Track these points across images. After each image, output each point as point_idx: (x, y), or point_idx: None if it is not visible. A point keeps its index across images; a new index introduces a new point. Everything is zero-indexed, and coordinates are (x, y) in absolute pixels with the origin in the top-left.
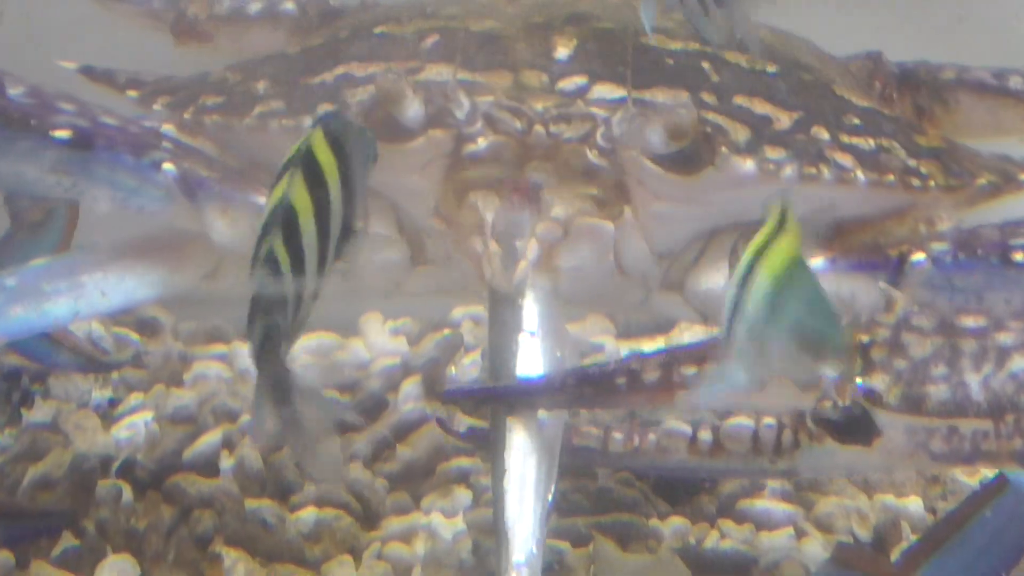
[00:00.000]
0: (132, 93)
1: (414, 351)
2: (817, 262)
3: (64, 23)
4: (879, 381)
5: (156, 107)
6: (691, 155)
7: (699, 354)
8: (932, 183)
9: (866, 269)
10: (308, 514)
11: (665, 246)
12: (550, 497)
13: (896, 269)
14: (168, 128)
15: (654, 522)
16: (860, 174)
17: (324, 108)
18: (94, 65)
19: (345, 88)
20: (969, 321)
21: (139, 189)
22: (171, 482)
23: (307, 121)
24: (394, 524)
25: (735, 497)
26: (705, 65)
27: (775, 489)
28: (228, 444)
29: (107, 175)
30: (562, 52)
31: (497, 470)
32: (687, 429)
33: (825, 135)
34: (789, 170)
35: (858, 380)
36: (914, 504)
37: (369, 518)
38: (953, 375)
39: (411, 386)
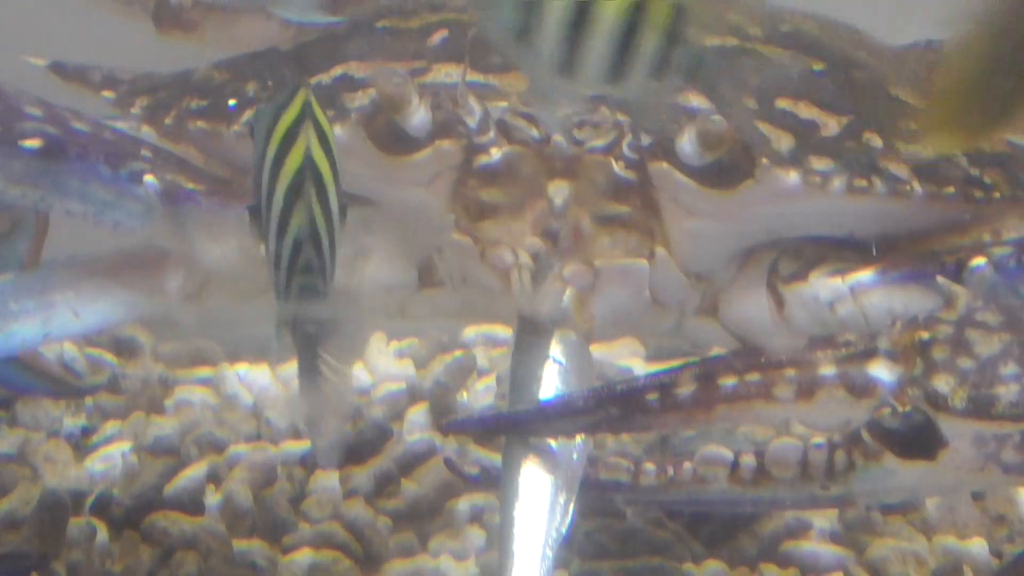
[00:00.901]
0: (108, 94)
1: (421, 375)
2: (866, 275)
3: (29, 11)
4: (943, 383)
5: (134, 110)
6: (728, 167)
7: (739, 362)
8: (996, 194)
9: (920, 279)
10: (303, 556)
11: (700, 267)
12: (564, 529)
13: (954, 276)
14: (148, 132)
15: (688, 567)
16: (916, 186)
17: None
18: (65, 61)
19: (343, 91)
20: None
21: (116, 203)
22: (151, 521)
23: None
24: (398, 568)
25: (778, 538)
26: (745, 63)
27: (823, 529)
28: (214, 478)
29: (80, 188)
30: None
31: (506, 499)
32: (727, 455)
33: (878, 142)
34: (837, 182)
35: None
36: (978, 546)
37: (370, 561)
38: None
39: (417, 414)
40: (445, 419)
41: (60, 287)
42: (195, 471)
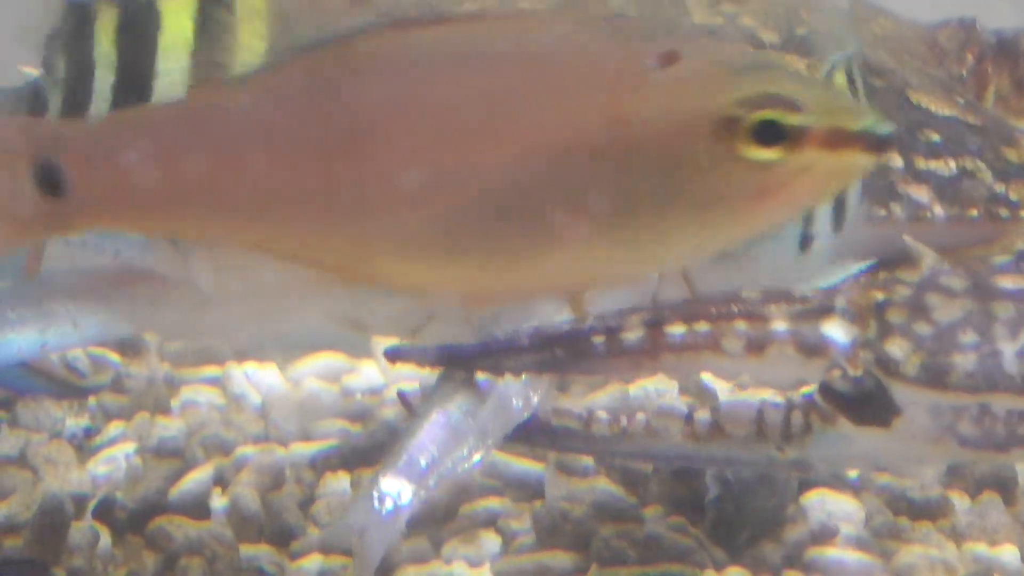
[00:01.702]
0: None
1: (435, 373)
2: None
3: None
4: (896, 348)
5: None
6: None
7: (689, 311)
8: (1023, 212)
9: None
10: (312, 562)
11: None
12: (467, 466)
13: None
14: None
15: (709, 573)
16: (938, 210)
17: None
18: None
19: None
20: (1008, 282)
21: (117, 234)
22: (155, 525)
23: None
24: (410, 574)
25: (803, 544)
26: None
27: (849, 536)
28: (221, 481)
29: None
30: None
31: (415, 417)
32: (682, 407)
33: (898, 162)
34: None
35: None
36: (1009, 554)
37: (382, 567)
38: (985, 343)
39: None
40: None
41: (60, 296)
42: (201, 474)
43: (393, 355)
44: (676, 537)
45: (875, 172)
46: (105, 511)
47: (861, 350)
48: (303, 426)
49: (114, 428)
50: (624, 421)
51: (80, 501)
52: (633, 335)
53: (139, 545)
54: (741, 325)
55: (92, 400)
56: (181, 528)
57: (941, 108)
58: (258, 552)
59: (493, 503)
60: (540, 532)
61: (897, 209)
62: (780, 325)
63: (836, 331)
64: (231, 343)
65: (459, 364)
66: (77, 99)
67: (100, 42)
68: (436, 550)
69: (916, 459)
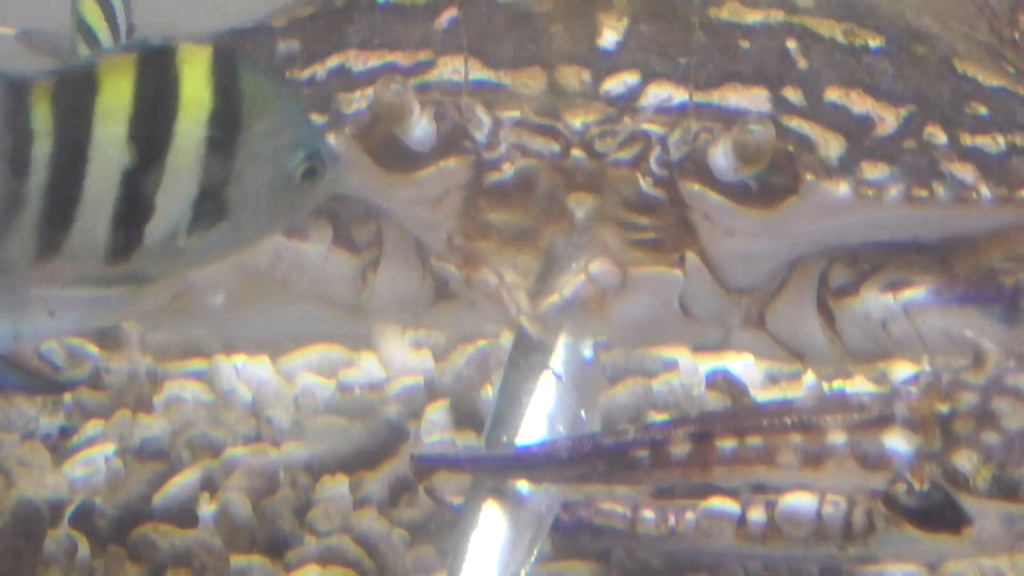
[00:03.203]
0: None
1: (441, 368)
2: (920, 294)
3: None
4: (964, 460)
5: None
6: (768, 183)
7: (739, 424)
8: None
9: (978, 301)
10: (308, 574)
11: (741, 283)
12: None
13: (1011, 302)
14: None
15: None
16: (984, 190)
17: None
18: (34, 29)
19: (339, 90)
20: None
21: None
22: (138, 533)
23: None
24: None
25: None
26: (791, 45)
27: None
28: (209, 485)
29: None
30: (609, 37)
31: (462, 539)
32: (733, 508)
33: (941, 138)
34: (894, 192)
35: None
36: None
37: None
38: None
39: (437, 412)
40: (475, 415)
41: (35, 281)
42: (187, 477)
43: (423, 462)
44: None
45: (916, 149)
46: (83, 518)
47: (926, 463)
48: (298, 424)
49: (92, 427)
50: (672, 520)
51: (56, 508)
52: (680, 449)
53: (121, 555)
54: (796, 438)
55: (68, 396)
56: (166, 537)
57: (989, 78)
58: (250, 563)
59: None
60: (558, 541)
61: (940, 190)
62: (838, 437)
63: (898, 442)
64: (219, 333)
65: (493, 473)
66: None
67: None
68: (444, 560)
69: (991, 555)
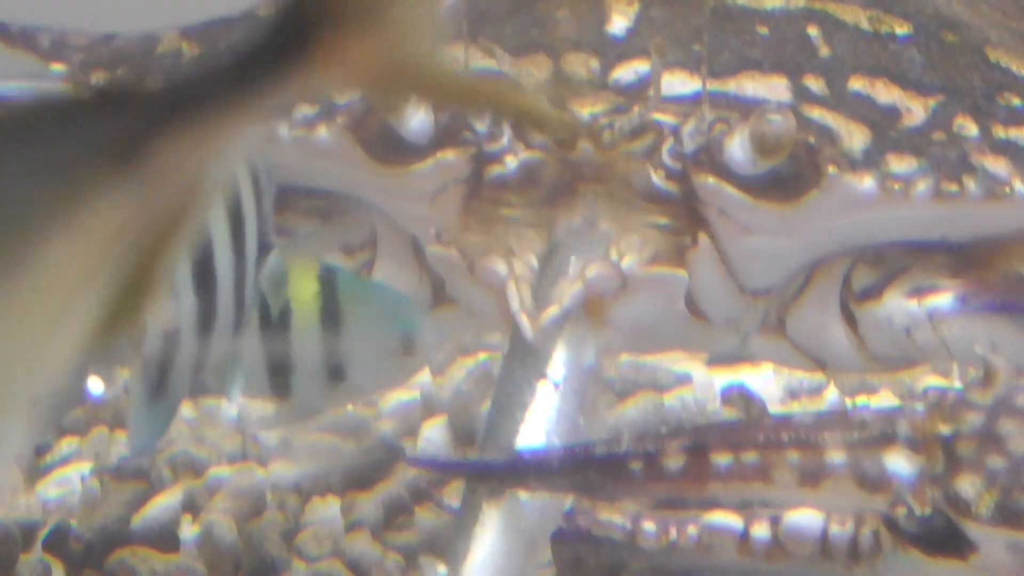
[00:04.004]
0: (58, 66)
1: (438, 383)
2: (945, 301)
3: None
4: (967, 485)
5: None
6: (788, 176)
7: (735, 438)
8: None
9: (1006, 310)
10: None
11: (758, 284)
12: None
13: None
14: None
15: None
16: (1018, 185)
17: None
18: (7, 22)
19: None
20: None
21: None
22: (116, 558)
23: (286, 128)
24: None
25: None
26: (812, 32)
27: None
28: (191, 507)
29: None
30: (619, 22)
31: (454, 557)
32: (736, 524)
33: (972, 130)
34: (922, 187)
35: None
36: None
37: None
38: None
39: (434, 429)
40: (473, 432)
41: None
42: (168, 498)
43: (414, 464)
44: None
45: (945, 142)
46: (58, 542)
47: (928, 486)
48: (286, 442)
49: (67, 444)
50: (674, 533)
51: (29, 530)
52: (674, 462)
53: None
54: (793, 455)
55: None
56: (146, 562)
57: (1023, 68)
58: None
59: None
60: (561, 565)
61: (971, 184)
62: (837, 456)
63: (900, 463)
64: None
65: (484, 480)
66: None
67: None
68: None
69: None
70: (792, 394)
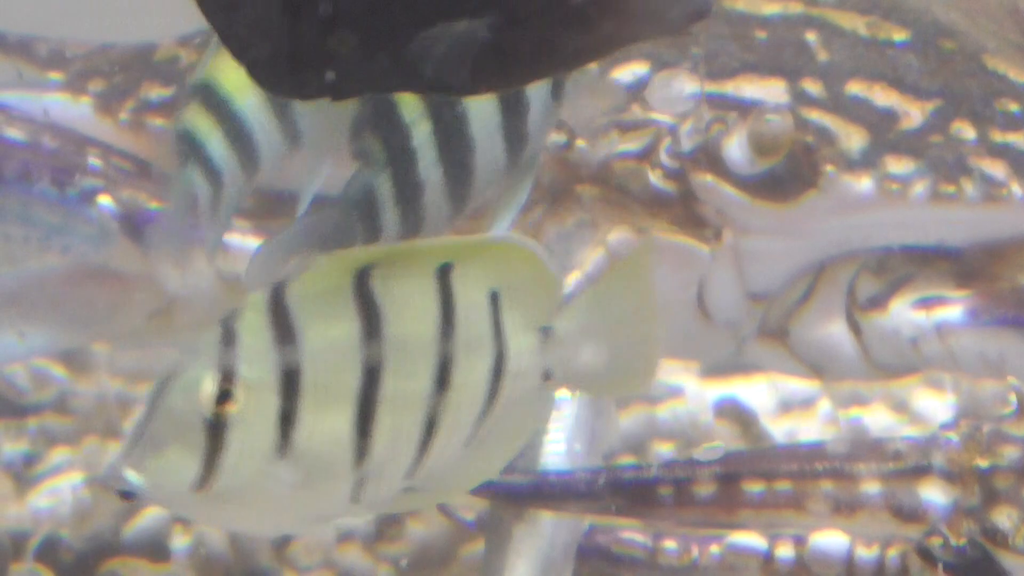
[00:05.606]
0: (55, 75)
1: None
2: (954, 313)
3: None
4: (1004, 517)
5: (85, 99)
6: (786, 176)
7: (768, 468)
8: None
9: (1016, 324)
10: None
11: (760, 286)
12: None
13: None
14: (104, 121)
15: None
16: (1016, 188)
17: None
18: (4, 31)
19: None
20: None
21: (65, 227)
22: (106, 568)
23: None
24: None
25: None
26: (810, 36)
27: None
28: (182, 517)
29: (21, 211)
30: None
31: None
32: (760, 545)
33: (970, 133)
34: (919, 188)
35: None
36: None
37: None
38: None
39: None
40: None
41: (4, 303)
42: (159, 509)
43: None
44: None
45: (943, 144)
46: (48, 552)
47: (964, 517)
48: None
49: (58, 454)
50: (696, 552)
51: (19, 540)
52: (705, 489)
53: None
54: (827, 485)
55: (32, 421)
56: (136, 572)
57: (1020, 76)
58: None
59: None
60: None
61: (968, 186)
62: (872, 487)
63: (935, 494)
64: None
65: (509, 501)
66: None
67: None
68: None
69: None
70: (785, 407)
